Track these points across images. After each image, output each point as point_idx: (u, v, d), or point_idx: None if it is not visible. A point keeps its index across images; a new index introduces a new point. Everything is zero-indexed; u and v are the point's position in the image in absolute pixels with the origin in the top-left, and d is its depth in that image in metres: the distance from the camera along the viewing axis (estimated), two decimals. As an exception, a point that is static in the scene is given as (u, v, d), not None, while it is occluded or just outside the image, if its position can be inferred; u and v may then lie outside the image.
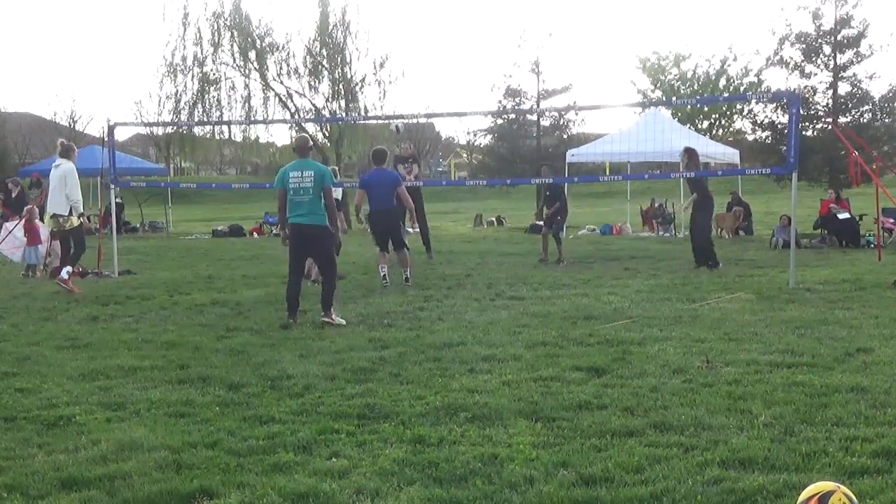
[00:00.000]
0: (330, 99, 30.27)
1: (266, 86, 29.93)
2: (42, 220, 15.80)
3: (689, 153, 13.83)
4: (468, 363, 6.69)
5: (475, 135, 38.71)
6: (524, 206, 36.85)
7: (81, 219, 11.72)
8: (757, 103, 27.66)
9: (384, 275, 11.70)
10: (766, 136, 27.61)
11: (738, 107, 29.05)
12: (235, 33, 29.19)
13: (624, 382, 5.98)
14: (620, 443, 4.66)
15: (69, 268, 11.50)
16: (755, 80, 28.94)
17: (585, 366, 6.47)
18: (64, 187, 11.40)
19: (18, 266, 14.14)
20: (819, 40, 26.06)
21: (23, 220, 14.10)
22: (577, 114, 32.89)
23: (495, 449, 4.57)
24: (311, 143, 9.65)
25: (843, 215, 18.62)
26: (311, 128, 31.61)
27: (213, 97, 29.34)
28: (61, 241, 11.95)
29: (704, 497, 3.87)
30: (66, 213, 11.50)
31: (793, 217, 12.75)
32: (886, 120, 27.31)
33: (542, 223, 16.03)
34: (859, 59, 26.03)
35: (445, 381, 6.11)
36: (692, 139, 23.28)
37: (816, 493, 3.44)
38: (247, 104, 29.62)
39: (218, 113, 29.14)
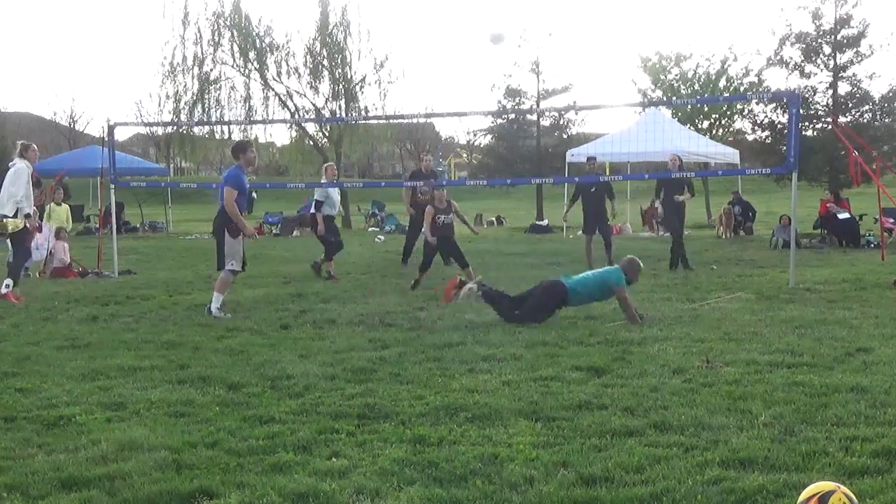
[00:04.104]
0: (330, 99, 30.29)
1: (266, 86, 29.94)
2: (41, 219, 15.82)
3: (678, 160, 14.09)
4: (468, 363, 6.69)
5: (475, 135, 38.67)
6: (524, 206, 36.87)
7: (26, 221, 11.00)
8: (757, 103, 27.61)
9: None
10: (766, 136, 27.60)
11: (738, 107, 28.99)
12: (235, 33, 29.19)
13: (624, 382, 5.98)
14: (620, 443, 4.66)
15: (9, 280, 10.91)
16: (755, 80, 28.89)
17: (585, 366, 6.47)
18: (11, 187, 10.86)
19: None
20: (819, 40, 26.04)
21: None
22: (577, 114, 32.87)
23: (495, 449, 4.57)
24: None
25: (843, 215, 18.65)
26: (311, 128, 31.60)
27: (213, 97, 29.35)
28: (15, 245, 11.22)
29: (704, 497, 3.87)
30: (10, 215, 10.89)
31: (793, 217, 12.76)
32: (886, 120, 27.28)
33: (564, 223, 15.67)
34: (859, 58, 26.03)
35: (445, 381, 6.11)
36: (692, 139, 23.33)
37: (816, 493, 3.44)
38: (247, 104, 29.63)
39: (218, 113, 29.14)
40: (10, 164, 11.29)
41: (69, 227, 16.00)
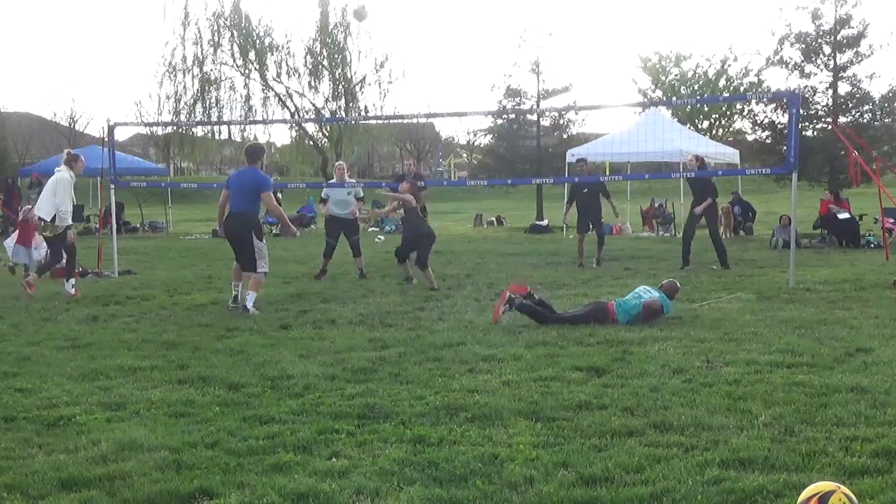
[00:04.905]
0: (330, 99, 30.29)
1: (266, 86, 29.96)
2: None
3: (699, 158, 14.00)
4: (468, 363, 6.69)
5: (475, 135, 38.65)
6: (524, 206, 36.86)
7: (69, 231, 11.33)
8: (757, 103, 27.62)
9: (234, 294, 9.92)
10: (766, 136, 27.60)
11: (738, 107, 29.02)
12: (235, 33, 29.21)
13: (624, 382, 5.98)
14: (620, 443, 4.66)
15: (73, 280, 11.30)
16: (755, 80, 28.91)
17: (585, 366, 6.47)
18: (53, 196, 11.14)
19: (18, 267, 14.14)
20: (819, 40, 26.04)
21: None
22: (577, 114, 32.84)
23: (495, 449, 4.57)
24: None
25: (843, 215, 18.65)
26: (311, 128, 31.61)
27: (213, 97, 29.36)
28: (51, 248, 11.61)
29: (704, 497, 3.87)
30: (48, 220, 11.17)
31: (793, 217, 12.76)
32: (886, 120, 27.27)
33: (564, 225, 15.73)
34: (859, 59, 26.01)
35: (445, 381, 6.11)
36: (692, 139, 23.33)
37: (816, 493, 3.44)
38: (247, 104, 29.65)
39: (218, 113, 29.14)
40: (57, 169, 11.54)
41: None
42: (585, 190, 14.75)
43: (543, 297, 8.97)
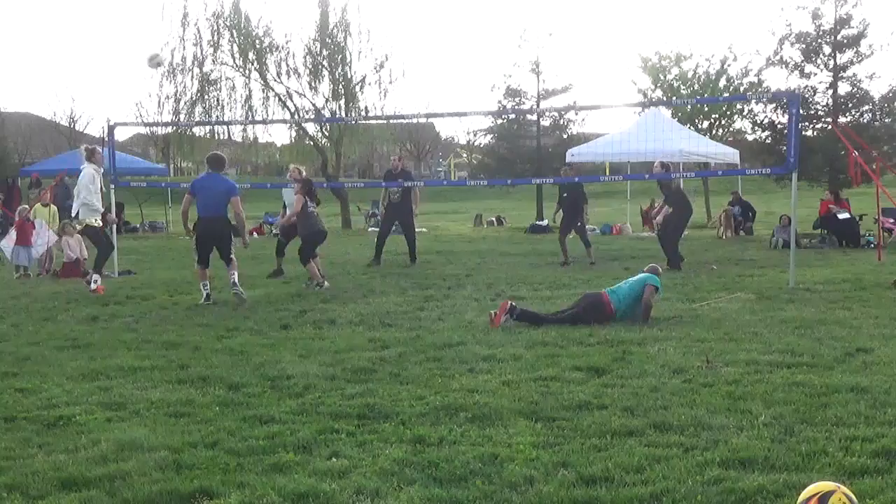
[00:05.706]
0: (330, 99, 30.23)
1: (266, 86, 29.90)
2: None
3: (664, 165, 14.55)
4: (468, 363, 6.69)
5: (475, 135, 38.61)
6: (524, 206, 36.86)
7: (97, 222, 11.72)
8: (757, 103, 27.61)
9: (206, 293, 10.41)
10: (766, 136, 27.58)
11: (738, 107, 28.96)
12: (235, 33, 29.13)
13: (624, 382, 5.98)
14: (620, 443, 4.66)
15: (97, 276, 11.52)
16: (755, 80, 28.83)
17: (585, 366, 6.47)
18: (83, 191, 11.54)
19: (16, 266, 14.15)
20: (819, 40, 26.03)
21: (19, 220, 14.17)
22: (577, 114, 32.79)
23: (495, 449, 4.57)
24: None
25: (843, 215, 18.64)
26: (311, 128, 31.58)
27: (213, 97, 29.30)
28: (94, 243, 12.11)
29: (704, 497, 3.87)
30: (80, 217, 11.63)
31: (793, 217, 12.76)
32: (886, 120, 27.26)
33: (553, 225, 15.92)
34: (859, 58, 26.00)
35: (445, 381, 6.11)
36: (692, 139, 23.31)
37: (816, 493, 3.44)
38: (247, 104, 29.57)
39: (218, 113, 29.09)
40: (81, 166, 11.89)
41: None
42: (565, 195, 15.08)
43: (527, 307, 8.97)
